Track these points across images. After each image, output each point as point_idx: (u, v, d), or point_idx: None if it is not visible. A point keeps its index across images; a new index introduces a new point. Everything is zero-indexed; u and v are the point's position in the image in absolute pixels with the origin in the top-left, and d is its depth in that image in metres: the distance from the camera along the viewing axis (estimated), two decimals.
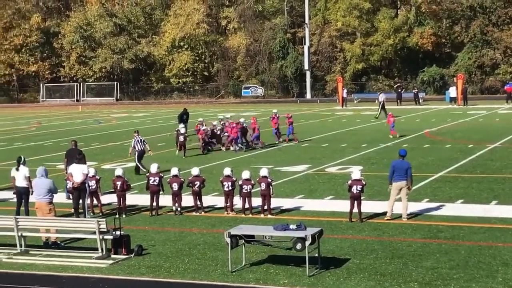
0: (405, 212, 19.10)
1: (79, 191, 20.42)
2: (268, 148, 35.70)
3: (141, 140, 29.02)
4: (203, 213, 20.55)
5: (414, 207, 20.16)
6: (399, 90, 67.11)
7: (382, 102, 52.71)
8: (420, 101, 67.37)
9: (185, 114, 42.96)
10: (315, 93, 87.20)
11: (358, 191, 18.81)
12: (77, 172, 20.45)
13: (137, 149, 28.83)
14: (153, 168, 20.89)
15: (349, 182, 19.10)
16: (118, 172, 21.03)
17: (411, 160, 29.48)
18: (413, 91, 69.27)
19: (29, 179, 20.04)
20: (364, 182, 19.11)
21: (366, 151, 33.48)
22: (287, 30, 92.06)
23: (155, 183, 20.58)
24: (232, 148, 34.97)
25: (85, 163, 21.06)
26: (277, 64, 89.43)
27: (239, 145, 34.94)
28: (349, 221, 18.82)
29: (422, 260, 15.04)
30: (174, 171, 20.86)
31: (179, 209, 20.64)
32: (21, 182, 20.17)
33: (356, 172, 19.56)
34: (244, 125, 35.74)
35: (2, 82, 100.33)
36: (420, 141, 36.68)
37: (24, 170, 20.27)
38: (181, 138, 33.71)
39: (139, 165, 28.44)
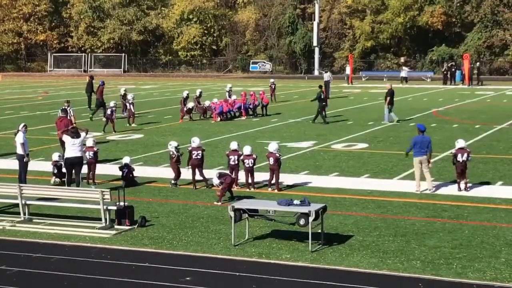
0: (430, 184, 19.64)
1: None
2: (275, 123, 35.62)
3: (66, 110, 26.19)
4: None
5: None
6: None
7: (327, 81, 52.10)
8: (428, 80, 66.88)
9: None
10: (323, 70, 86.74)
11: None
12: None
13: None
14: (196, 142, 20.72)
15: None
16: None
17: None
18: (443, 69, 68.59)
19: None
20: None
21: (372, 129, 33.38)
22: (296, 6, 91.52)
23: (198, 157, 20.39)
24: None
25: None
26: (286, 39, 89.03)
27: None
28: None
29: (425, 239, 15.01)
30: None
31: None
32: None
33: (460, 142, 19.91)
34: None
35: (10, 51, 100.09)
36: (427, 120, 36.51)
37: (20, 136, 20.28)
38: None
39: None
